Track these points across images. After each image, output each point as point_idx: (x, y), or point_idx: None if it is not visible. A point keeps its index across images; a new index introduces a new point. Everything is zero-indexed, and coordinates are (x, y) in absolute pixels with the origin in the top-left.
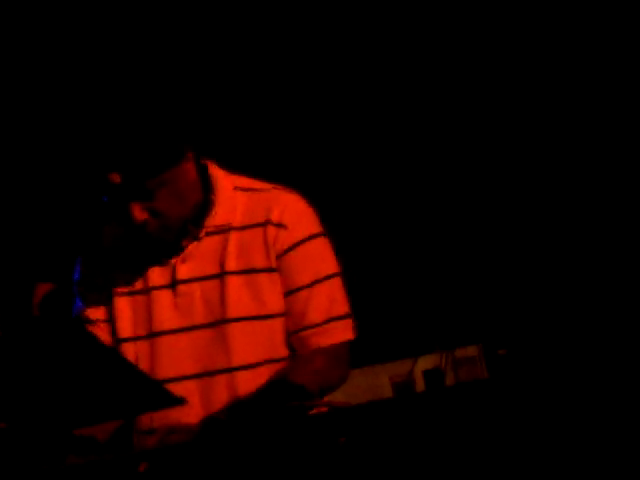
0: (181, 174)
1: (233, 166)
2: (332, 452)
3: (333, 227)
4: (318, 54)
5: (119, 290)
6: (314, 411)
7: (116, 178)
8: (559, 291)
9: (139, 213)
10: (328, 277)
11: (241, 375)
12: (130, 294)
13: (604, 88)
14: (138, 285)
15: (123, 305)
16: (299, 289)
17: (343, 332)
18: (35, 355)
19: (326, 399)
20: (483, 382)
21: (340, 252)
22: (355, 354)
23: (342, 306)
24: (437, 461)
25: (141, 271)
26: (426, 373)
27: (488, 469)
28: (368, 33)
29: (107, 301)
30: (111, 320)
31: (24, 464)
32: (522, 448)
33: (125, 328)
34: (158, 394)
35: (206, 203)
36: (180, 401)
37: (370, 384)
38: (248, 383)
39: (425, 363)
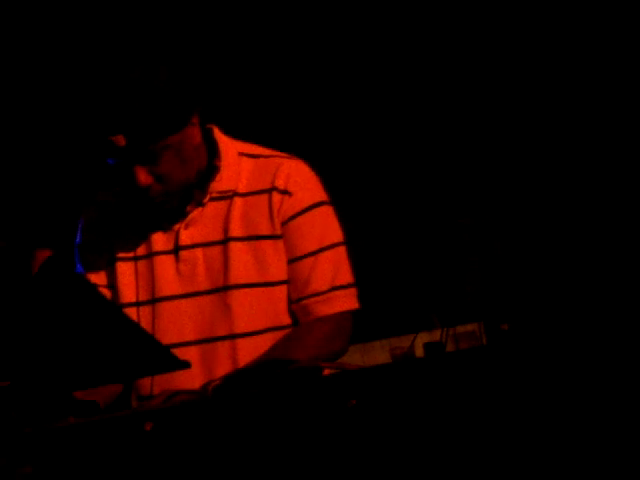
0: (186, 138)
1: (238, 133)
2: (342, 414)
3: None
4: (319, 23)
5: (121, 255)
6: (324, 373)
7: (121, 141)
8: (560, 270)
9: (144, 177)
10: (333, 245)
11: (243, 342)
12: (133, 259)
13: (603, 83)
14: (141, 250)
15: (125, 270)
16: (303, 257)
17: (346, 301)
18: (38, 313)
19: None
20: (482, 348)
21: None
22: (355, 330)
23: (346, 275)
24: (447, 424)
25: (144, 236)
26: (427, 345)
27: (489, 429)
28: (366, 10)
29: (108, 266)
30: (112, 285)
31: (27, 422)
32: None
33: (127, 293)
34: (163, 357)
35: (211, 168)
36: (185, 365)
37: (370, 359)
38: (250, 350)
39: (425, 338)
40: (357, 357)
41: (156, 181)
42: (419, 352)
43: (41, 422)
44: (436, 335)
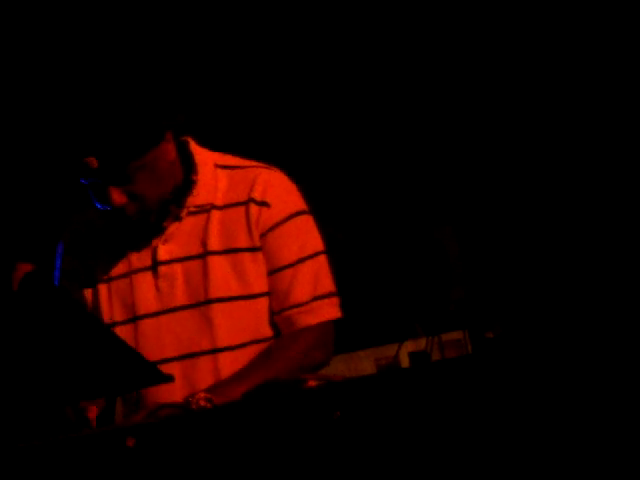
0: (160, 155)
1: (214, 144)
2: (327, 426)
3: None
4: (295, 35)
5: (101, 276)
6: (309, 385)
7: (93, 162)
8: (545, 276)
9: (118, 197)
10: (313, 255)
11: (225, 356)
12: (112, 279)
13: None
14: (120, 269)
15: (105, 290)
16: (283, 267)
17: (329, 310)
18: (19, 328)
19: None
20: (467, 358)
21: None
22: (339, 339)
23: (327, 284)
24: (433, 435)
25: (122, 255)
26: (412, 355)
27: (476, 439)
28: (342, 17)
29: (89, 289)
30: (95, 308)
31: (12, 439)
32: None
33: (107, 313)
34: (146, 371)
35: (187, 182)
36: (168, 378)
37: (354, 369)
38: (232, 364)
39: (410, 347)
40: (342, 367)
41: (131, 200)
42: (404, 361)
43: (28, 436)
44: (421, 344)
